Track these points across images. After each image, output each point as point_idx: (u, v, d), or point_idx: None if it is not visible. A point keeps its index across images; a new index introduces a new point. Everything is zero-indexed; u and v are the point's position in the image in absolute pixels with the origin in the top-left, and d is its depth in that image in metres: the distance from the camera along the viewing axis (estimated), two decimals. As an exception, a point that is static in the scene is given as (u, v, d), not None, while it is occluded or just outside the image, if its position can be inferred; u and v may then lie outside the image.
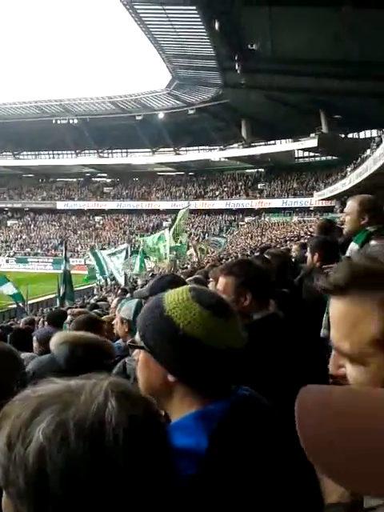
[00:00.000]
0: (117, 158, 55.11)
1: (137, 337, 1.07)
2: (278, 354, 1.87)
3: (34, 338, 3.52)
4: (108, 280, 22.13)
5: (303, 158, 47.97)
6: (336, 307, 0.74)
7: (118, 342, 3.37)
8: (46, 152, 56.61)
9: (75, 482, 0.54)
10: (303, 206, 42.93)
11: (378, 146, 21.48)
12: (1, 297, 22.06)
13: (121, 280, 17.21)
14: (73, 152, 54.59)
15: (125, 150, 55.30)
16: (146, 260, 18.38)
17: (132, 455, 0.57)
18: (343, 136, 42.04)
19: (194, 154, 52.13)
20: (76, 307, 9.16)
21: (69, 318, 4.57)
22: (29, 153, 57.15)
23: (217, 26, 22.94)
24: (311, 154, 45.62)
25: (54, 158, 56.75)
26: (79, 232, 50.89)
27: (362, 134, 41.94)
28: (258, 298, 2.09)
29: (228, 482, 0.89)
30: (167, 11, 26.30)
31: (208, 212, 48.90)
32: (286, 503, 0.91)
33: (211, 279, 4.47)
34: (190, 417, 0.98)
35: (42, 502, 0.54)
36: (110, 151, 55.47)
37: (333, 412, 0.46)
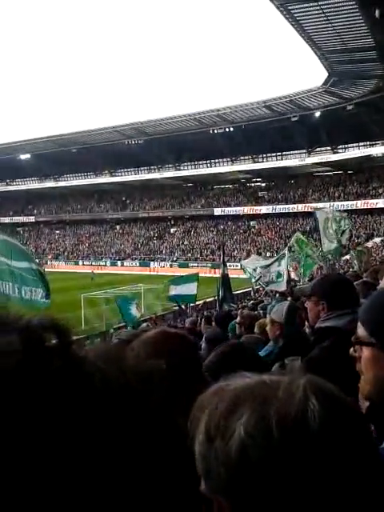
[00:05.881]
0: (271, 161, 55.06)
1: (361, 333, 1.04)
2: None
3: (203, 338, 3.69)
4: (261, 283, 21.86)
5: None
6: None
7: (269, 344, 3.32)
8: (204, 161, 59.20)
9: (279, 477, 0.53)
10: None
11: None
12: (163, 299, 23.62)
13: (283, 284, 16.38)
14: (229, 159, 56.12)
15: (279, 153, 55.02)
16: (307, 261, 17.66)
17: (337, 457, 0.54)
18: None
19: (353, 152, 49.41)
20: (244, 308, 9.49)
21: (238, 318, 4.84)
22: (188, 163, 60.43)
23: (377, 13, 21.46)
24: None
25: (211, 166, 59.07)
26: (235, 237, 52.04)
27: None
28: None
29: None
30: (322, 7, 25.50)
31: (370, 212, 45.88)
32: None
33: (381, 280, 4.16)
34: None
35: (243, 495, 0.54)
36: (264, 155, 55.73)
37: None
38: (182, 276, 18.20)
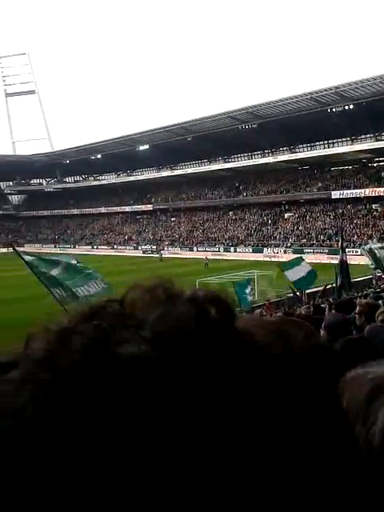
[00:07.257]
0: (397, 139, 50.86)
1: None
2: None
3: (323, 326, 3.40)
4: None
5: None
6: None
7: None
8: (321, 142, 56.63)
9: None
10: None
11: None
12: (276, 285, 23.12)
13: None
14: (348, 139, 53.02)
15: (406, 130, 50.63)
16: None
17: None
18: None
19: None
20: (365, 296, 8.88)
21: (357, 308, 4.42)
22: (303, 145, 58.28)
23: None
24: None
25: (328, 147, 56.34)
26: (355, 221, 49.19)
27: None
28: None
29: None
30: None
31: None
32: None
33: None
34: None
35: None
36: (388, 133, 51.69)
37: None
38: (288, 261, 17.57)
